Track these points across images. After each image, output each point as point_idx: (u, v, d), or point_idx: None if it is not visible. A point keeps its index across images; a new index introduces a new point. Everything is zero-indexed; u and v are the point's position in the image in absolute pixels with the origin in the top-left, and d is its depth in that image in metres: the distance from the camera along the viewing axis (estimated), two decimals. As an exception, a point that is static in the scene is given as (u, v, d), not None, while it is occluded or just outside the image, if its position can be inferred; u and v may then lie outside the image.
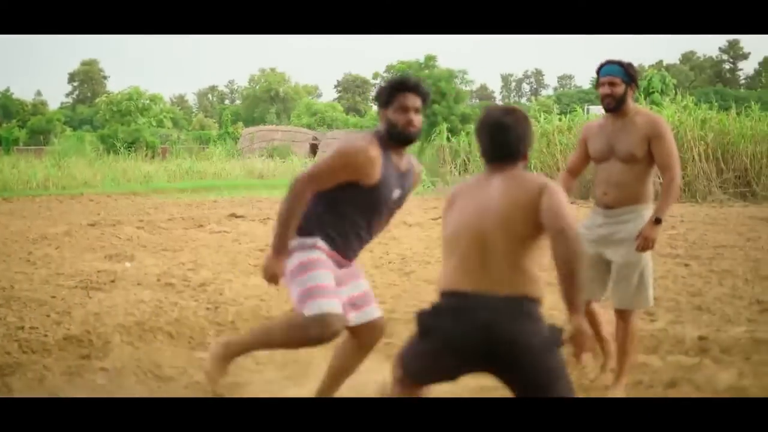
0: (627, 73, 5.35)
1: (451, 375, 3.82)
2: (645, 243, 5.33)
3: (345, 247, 4.66)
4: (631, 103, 5.44)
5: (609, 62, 5.41)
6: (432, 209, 20.44)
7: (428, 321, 3.73)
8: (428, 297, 8.85)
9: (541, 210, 3.61)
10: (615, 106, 5.36)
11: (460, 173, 29.09)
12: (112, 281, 9.63)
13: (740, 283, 9.47)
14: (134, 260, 11.48)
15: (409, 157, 4.80)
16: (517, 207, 3.66)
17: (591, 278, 5.45)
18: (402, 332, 7.13)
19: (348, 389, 5.12)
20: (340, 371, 5.02)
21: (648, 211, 5.46)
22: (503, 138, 3.84)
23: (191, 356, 6.54)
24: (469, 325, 3.57)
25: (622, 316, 5.49)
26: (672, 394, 5.33)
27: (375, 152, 4.45)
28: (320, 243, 4.62)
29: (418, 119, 4.56)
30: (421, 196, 26.11)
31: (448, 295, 3.71)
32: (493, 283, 3.60)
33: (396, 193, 4.64)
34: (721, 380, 5.52)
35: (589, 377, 5.77)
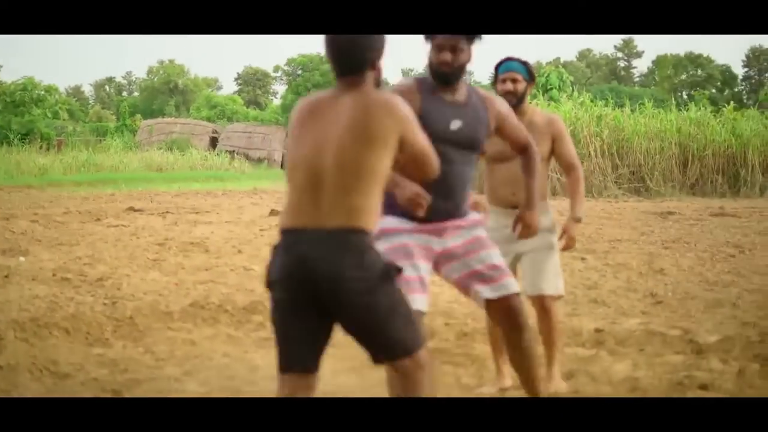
0: (528, 70, 5.35)
1: (310, 329, 3.54)
2: (571, 242, 5.46)
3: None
4: (526, 102, 5.43)
5: (509, 59, 5.38)
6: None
7: (269, 270, 3.60)
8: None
9: (405, 148, 3.53)
10: (516, 103, 5.26)
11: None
12: (6, 276, 9.40)
13: (634, 276, 9.71)
14: (29, 255, 11.22)
15: (471, 89, 4.55)
16: (361, 140, 3.46)
17: None
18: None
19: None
20: (515, 361, 4.64)
21: (547, 205, 5.50)
22: (347, 45, 3.61)
23: (88, 352, 6.43)
24: (291, 262, 3.46)
25: (543, 304, 5.40)
26: (569, 385, 5.43)
27: (402, 88, 4.28)
28: (388, 223, 4.27)
29: (455, 57, 4.33)
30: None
31: (282, 234, 3.55)
32: (323, 217, 3.43)
33: (454, 125, 4.35)
34: (616, 371, 5.64)
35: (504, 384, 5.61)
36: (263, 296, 8.05)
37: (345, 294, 3.40)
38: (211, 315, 7.54)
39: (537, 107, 5.76)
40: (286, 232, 3.52)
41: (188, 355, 6.31)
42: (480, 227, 4.54)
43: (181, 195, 24.56)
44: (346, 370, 5.86)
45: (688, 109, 26.47)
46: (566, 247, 5.44)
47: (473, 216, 4.53)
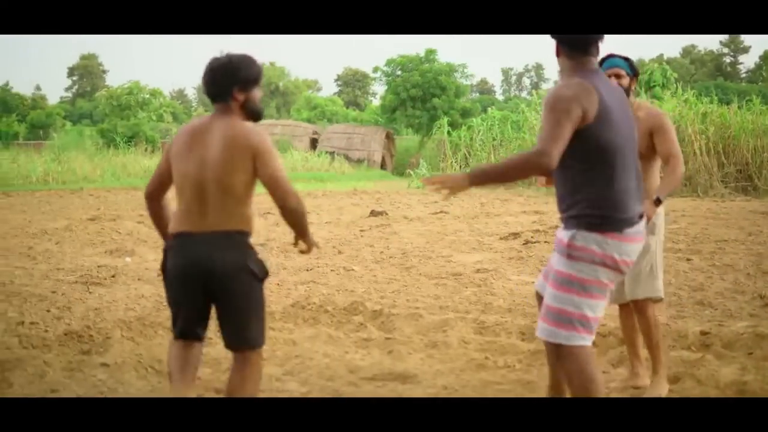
0: (630, 66, 5.38)
1: (198, 310, 4.36)
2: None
3: None
4: (633, 97, 5.47)
5: (612, 55, 5.42)
6: (433, 203, 20.42)
7: (163, 262, 4.38)
8: (429, 291, 8.86)
9: (258, 173, 4.21)
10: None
11: (461, 167, 29.07)
12: (113, 276, 9.62)
13: (742, 277, 9.46)
14: (134, 255, 11.47)
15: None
16: (230, 163, 4.17)
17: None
18: (403, 327, 7.12)
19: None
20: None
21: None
22: (210, 77, 4.31)
23: (192, 351, 6.52)
24: (185, 259, 4.23)
25: (640, 309, 5.44)
26: (675, 389, 5.32)
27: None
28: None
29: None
30: (421, 190, 26.10)
31: (174, 236, 4.31)
32: (208, 223, 4.22)
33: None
34: (723, 375, 5.50)
35: (631, 382, 5.64)
36: (364, 297, 8.10)
37: (230, 282, 4.21)
38: (312, 315, 7.58)
39: (645, 102, 5.72)
40: (177, 236, 4.30)
41: (289, 355, 6.35)
42: None
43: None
44: (447, 372, 5.88)
45: (797, 106, 25.73)
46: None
47: None
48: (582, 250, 4.11)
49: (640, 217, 4.23)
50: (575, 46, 4.19)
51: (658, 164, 5.52)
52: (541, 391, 5.31)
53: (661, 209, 5.44)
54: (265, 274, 4.33)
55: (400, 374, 5.80)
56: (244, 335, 4.31)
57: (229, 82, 4.27)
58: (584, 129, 4.02)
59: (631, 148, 4.19)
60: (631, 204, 4.16)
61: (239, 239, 4.25)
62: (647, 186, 5.31)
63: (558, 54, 4.26)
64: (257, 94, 4.38)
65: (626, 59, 5.42)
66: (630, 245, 4.17)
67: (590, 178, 4.11)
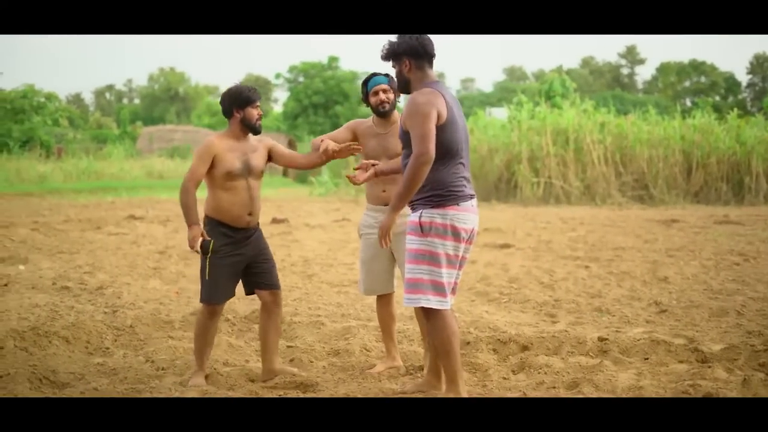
0: (391, 82, 6.04)
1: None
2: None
3: None
4: (396, 111, 6.13)
5: (375, 74, 6.09)
6: (334, 211, 20.42)
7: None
8: (331, 299, 8.84)
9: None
10: (390, 110, 6.04)
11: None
12: (5, 285, 9.37)
13: (638, 284, 9.67)
14: (28, 263, 11.19)
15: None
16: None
17: (385, 272, 6.16)
18: (305, 335, 7.09)
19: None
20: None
21: None
22: (220, 101, 5.89)
23: (88, 361, 6.39)
24: None
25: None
26: (574, 395, 5.39)
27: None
28: None
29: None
30: (323, 197, 26.10)
31: None
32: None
33: None
34: (620, 381, 5.60)
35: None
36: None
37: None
38: (212, 324, 7.48)
39: None
40: None
41: (189, 365, 6.25)
42: None
43: (183, 203, 24.42)
44: (348, 380, 5.87)
45: (692, 117, 26.37)
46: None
47: None
48: (430, 224, 4.99)
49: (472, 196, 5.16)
50: (424, 58, 5.08)
51: None
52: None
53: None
54: (210, 249, 5.68)
55: (302, 383, 5.75)
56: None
57: (229, 105, 5.80)
58: (438, 129, 4.88)
59: (467, 144, 5.15)
60: (468, 186, 5.12)
61: (207, 221, 5.82)
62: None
63: (409, 70, 5.10)
64: (252, 113, 5.77)
65: (387, 76, 6.04)
66: (467, 215, 5.06)
67: (439, 169, 4.95)
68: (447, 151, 4.96)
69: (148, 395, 5.44)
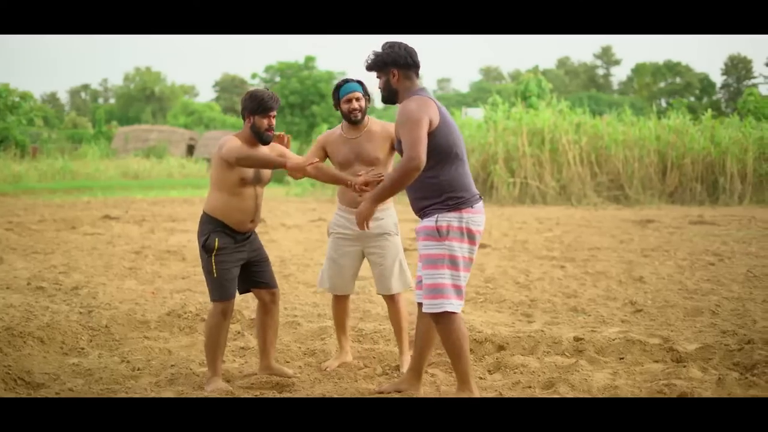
0: (364, 89, 6.14)
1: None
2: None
3: None
4: (366, 118, 6.19)
5: (348, 80, 6.16)
6: (311, 211, 20.40)
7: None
8: (307, 299, 8.83)
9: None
10: (361, 118, 6.10)
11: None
12: (-21, 285, 9.30)
13: (614, 284, 9.71)
14: (3, 263, 11.12)
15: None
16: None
17: (351, 272, 6.30)
18: (282, 335, 7.08)
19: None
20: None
21: (392, 206, 6.29)
22: (241, 104, 5.78)
23: (64, 362, 6.35)
24: None
25: (391, 299, 6.26)
26: (549, 394, 5.41)
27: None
28: None
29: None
30: (300, 198, 26.07)
31: None
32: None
33: None
34: (596, 380, 5.62)
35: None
36: (241, 305, 8.01)
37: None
38: (188, 324, 7.48)
39: (379, 120, 6.31)
40: None
41: (165, 365, 6.23)
42: None
43: (158, 203, 24.44)
44: (324, 380, 5.86)
45: (667, 117, 26.51)
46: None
47: None
48: (447, 228, 5.05)
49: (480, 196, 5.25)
50: (411, 68, 5.15)
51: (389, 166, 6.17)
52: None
53: (393, 211, 6.25)
54: (213, 247, 5.71)
55: (278, 383, 5.75)
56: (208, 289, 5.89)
57: (243, 107, 5.70)
58: (431, 134, 4.95)
59: (463, 144, 5.19)
60: (472, 185, 5.19)
61: (204, 218, 5.86)
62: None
63: (397, 80, 5.15)
64: (262, 122, 5.63)
65: (360, 83, 6.11)
66: (479, 216, 5.16)
67: (448, 171, 5.06)
68: (448, 152, 5.04)
69: (123, 395, 5.42)
